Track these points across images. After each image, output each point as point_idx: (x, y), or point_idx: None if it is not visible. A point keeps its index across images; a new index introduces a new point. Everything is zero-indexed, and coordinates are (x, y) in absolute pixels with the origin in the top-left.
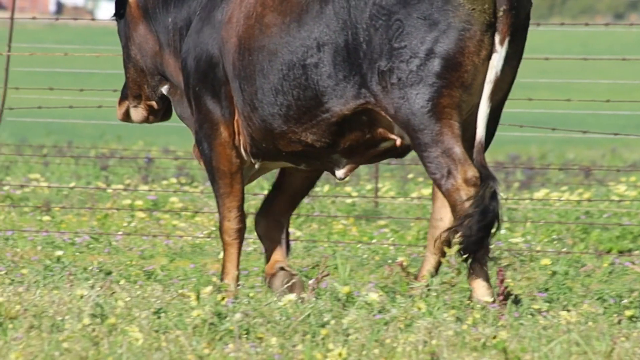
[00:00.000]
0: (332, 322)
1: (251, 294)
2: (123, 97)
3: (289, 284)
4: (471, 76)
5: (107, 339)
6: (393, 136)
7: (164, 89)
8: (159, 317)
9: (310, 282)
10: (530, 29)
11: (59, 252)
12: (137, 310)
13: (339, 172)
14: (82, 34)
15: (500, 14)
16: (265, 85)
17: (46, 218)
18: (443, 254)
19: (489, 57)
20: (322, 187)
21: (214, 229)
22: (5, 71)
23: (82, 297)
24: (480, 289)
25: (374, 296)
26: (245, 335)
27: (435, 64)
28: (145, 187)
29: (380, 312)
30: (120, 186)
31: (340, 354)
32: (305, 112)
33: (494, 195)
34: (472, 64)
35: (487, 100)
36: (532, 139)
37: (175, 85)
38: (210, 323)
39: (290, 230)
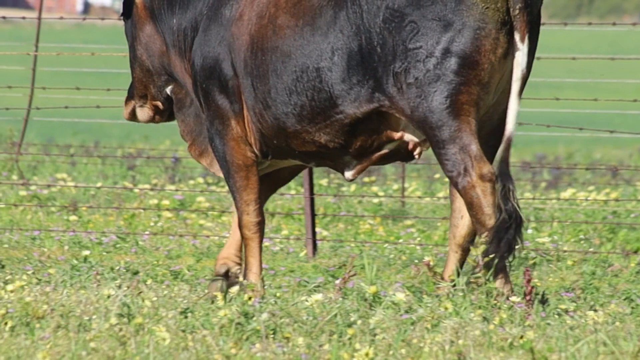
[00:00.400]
0: (359, 322)
1: (278, 294)
2: (129, 97)
3: (223, 286)
4: (488, 74)
5: (134, 339)
6: (397, 136)
7: (169, 90)
8: (185, 317)
9: (337, 281)
10: (558, 28)
11: (86, 252)
12: (164, 310)
13: (348, 173)
14: (109, 34)
15: (517, 12)
16: (279, 85)
17: (73, 218)
18: (466, 252)
19: (505, 56)
20: (348, 187)
21: None
22: (32, 71)
23: (109, 296)
24: (500, 286)
25: (400, 296)
26: (272, 335)
27: (452, 62)
28: (172, 187)
29: (407, 312)
30: (147, 186)
31: (367, 354)
32: (319, 113)
33: (506, 198)
34: (489, 62)
35: (516, 97)
36: (559, 139)
37: (181, 86)
38: (237, 323)
39: (317, 230)
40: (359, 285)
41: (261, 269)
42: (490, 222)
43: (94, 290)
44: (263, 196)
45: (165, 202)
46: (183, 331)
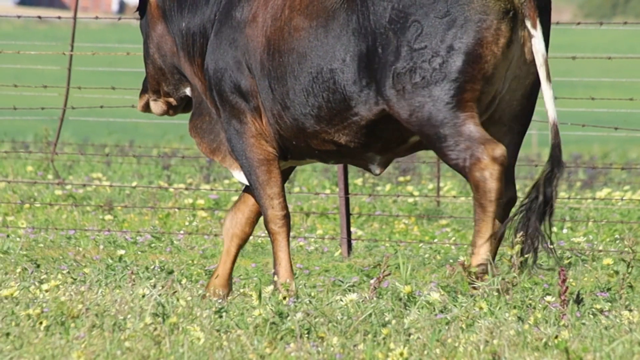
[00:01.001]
0: (394, 321)
1: (312, 293)
2: (143, 90)
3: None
4: (492, 67)
5: (168, 338)
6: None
7: (187, 91)
8: (220, 317)
9: (372, 281)
10: (593, 28)
11: (121, 251)
12: (198, 310)
13: (375, 168)
14: None
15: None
16: (297, 87)
17: (108, 217)
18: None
19: (509, 45)
20: (383, 187)
21: None
22: (68, 71)
23: (143, 296)
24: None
25: (435, 296)
26: (306, 335)
27: (457, 60)
28: (207, 186)
29: (441, 311)
30: (182, 185)
31: (401, 354)
32: (336, 114)
33: (549, 181)
34: (492, 54)
35: (546, 82)
36: (594, 139)
37: (191, 86)
38: (272, 322)
39: (352, 229)
40: (394, 284)
41: (291, 264)
42: (491, 208)
43: (128, 290)
44: (257, 213)
45: (200, 201)
46: (217, 331)
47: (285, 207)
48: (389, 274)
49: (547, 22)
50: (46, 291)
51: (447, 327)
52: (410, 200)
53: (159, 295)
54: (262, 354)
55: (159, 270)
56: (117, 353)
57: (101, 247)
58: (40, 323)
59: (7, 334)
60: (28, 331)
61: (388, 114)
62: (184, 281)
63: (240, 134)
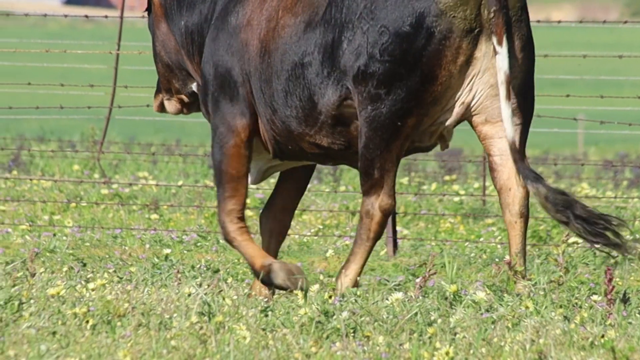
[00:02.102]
0: (440, 320)
1: (358, 292)
2: (157, 91)
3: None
4: (444, 87)
5: (214, 337)
6: None
7: (194, 86)
8: (266, 315)
9: (418, 280)
10: None
11: (167, 250)
12: (244, 309)
13: None
14: None
15: (492, 15)
16: (279, 87)
17: (154, 216)
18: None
19: (467, 63)
20: (429, 186)
21: (321, 227)
22: (114, 70)
23: (189, 295)
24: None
25: (481, 295)
26: (352, 334)
27: (414, 79)
28: (253, 186)
29: (487, 310)
30: None
31: (447, 353)
32: (308, 114)
33: (547, 198)
34: (448, 74)
35: (505, 101)
36: None
37: (197, 83)
38: (317, 321)
39: (398, 228)
40: (440, 283)
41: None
42: (368, 243)
43: (174, 289)
44: (292, 201)
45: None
46: (263, 330)
47: (241, 219)
48: (435, 273)
49: (515, 38)
50: (92, 290)
51: (493, 326)
52: (456, 199)
53: (205, 294)
54: (308, 353)
55: (205, 269)
56: (163, 352)
57: (147, 246)
58: (87, 322)
59: (54, 333)
60: (74, 330)
61: (346, 108)
62: (229, 280)
63: (223, 143)
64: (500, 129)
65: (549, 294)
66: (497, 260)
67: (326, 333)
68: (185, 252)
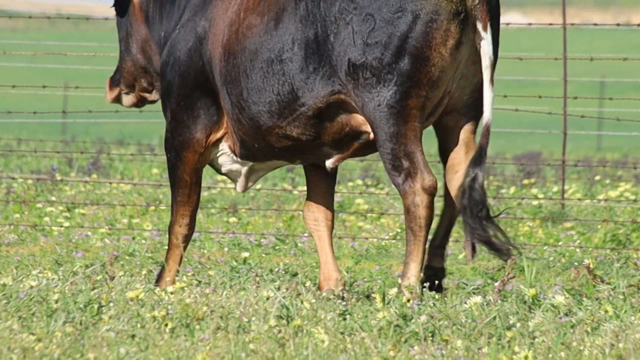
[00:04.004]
0: (518, 324)
1: (437, 296)
2: (115, 83)
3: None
4: (438, 69)
5: (292, 341)
6: (364, 128)
7: (158, 86)
8: (344, 319)
9: (496, 284)
10: None
11: (246, 254)
12: (322, 312)
13: (328, 162)
14: None
15: (477, 1)
16: (250, 85)
17: (233, 220)
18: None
19: (457, 47)
20: (508, 189)
21: (399, 230)
22: None
23: (268, 298)
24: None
25: (560, 299)
26: (430, 338)
27: (406, 62)
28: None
29: (566, 314)
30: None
31: (526, 357)
32: (285, 107)
33: (473, 183)
34: (440, 56)
35: (489, 85)
36: None
37: None
38: (396, 325)
39: None
40: (518, 287)
41: (176, 274)
42: (421, 233)
43: (253, 292)
44: (324, 200)
45: None
46: (342, 333)
47: (192, 227)
48: (514, 277)
49: (496, 26)
50: (171, 293)
51: (572, 331)
52: (535, 202)
53: (283, 297)
54: (386, 356)
55: (283, 272)
56: (241, 355)
57: (225, 249)
58: (166, 325)
59: (133, 336)
60: (153, 333)
61: (334, 102)
62: (308, 283)
63: (180, 148)
64: (451, 117)
65: (628, 298)
66: (576, 264)
67: (404, 337)
68: (263, 255)
